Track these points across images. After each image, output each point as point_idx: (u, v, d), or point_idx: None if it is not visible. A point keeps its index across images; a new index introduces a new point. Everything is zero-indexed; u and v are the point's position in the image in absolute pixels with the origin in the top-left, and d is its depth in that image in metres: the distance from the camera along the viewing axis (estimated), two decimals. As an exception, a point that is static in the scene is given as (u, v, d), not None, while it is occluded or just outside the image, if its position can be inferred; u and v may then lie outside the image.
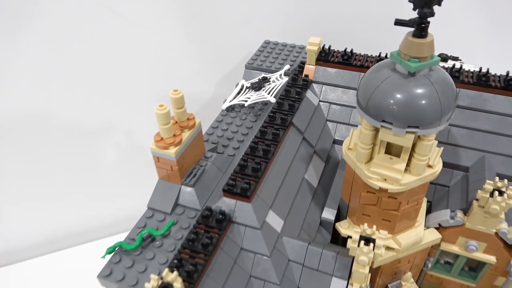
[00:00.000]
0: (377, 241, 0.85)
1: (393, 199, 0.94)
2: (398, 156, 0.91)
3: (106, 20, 1.51)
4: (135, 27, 1.55)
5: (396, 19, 0.81)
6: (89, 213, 1.96)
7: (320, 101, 1.23)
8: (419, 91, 0.80)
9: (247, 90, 1.28)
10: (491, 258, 1.05)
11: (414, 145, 0.88)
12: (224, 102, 1.28)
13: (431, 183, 1.12)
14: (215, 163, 1.08)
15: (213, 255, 0.86)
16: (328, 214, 1.06)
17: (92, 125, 1.75)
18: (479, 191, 0.95)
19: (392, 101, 0.81)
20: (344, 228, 1.05)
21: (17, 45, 1.45)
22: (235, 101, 1.26)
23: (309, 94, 1.20)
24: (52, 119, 1.65)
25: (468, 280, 1.14)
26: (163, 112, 0.93)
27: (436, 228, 1.06)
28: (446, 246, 1.08)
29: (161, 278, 0.76)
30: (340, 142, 1.21)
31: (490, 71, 1.11)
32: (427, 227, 1.06)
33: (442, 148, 0.94)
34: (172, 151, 0.96)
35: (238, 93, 1.30)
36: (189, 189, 1.01)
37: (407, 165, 0.91)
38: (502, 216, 0.96)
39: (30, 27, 1.43)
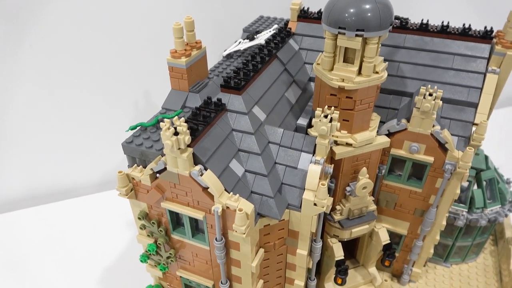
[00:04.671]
0: (334, 116, 1.07)
1: (350, 99, 1.16)
2: (353, 63, 1.15)
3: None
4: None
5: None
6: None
7: (300, 48, 1.48)
8: (364, 5, 1.05)
9: (244, 41, 1.53)
10: (429, 158, 1.26)
11: (364, 52, 1.12)
12: (224, 51, 1.53)
13: (385, 107, 1.36)
14: (215, 82, 1.31)
15: (211, 126, 1.07)
16: (302, 121, 1.28)
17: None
18: (416, 96, 1.18)
19: (346, 14, 1.06)
20: (314, 131, 1.27)
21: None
22: (233, 50, 1.51)
23: (291, 41, 1.45)
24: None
25: (415, 185, 1.34)
26: (178, 27, 1.17)
27: (386, 135, 1.28)
28: (395, 151, 1.28)
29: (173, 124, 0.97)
30: (314, 80, 1.45)
31: (429, 22, 1.37)
32: (379, 134, 1.28)
33: (387, 63, 1.18)
34: (183, 60, 1.20)
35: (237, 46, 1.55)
36: (194, 94, 1.24)
37: (360, 71, 1.15)
38: (434, 116, 1.18)
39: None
